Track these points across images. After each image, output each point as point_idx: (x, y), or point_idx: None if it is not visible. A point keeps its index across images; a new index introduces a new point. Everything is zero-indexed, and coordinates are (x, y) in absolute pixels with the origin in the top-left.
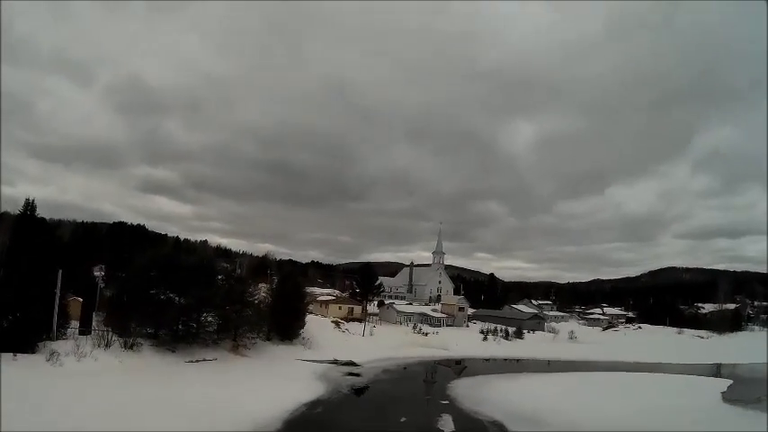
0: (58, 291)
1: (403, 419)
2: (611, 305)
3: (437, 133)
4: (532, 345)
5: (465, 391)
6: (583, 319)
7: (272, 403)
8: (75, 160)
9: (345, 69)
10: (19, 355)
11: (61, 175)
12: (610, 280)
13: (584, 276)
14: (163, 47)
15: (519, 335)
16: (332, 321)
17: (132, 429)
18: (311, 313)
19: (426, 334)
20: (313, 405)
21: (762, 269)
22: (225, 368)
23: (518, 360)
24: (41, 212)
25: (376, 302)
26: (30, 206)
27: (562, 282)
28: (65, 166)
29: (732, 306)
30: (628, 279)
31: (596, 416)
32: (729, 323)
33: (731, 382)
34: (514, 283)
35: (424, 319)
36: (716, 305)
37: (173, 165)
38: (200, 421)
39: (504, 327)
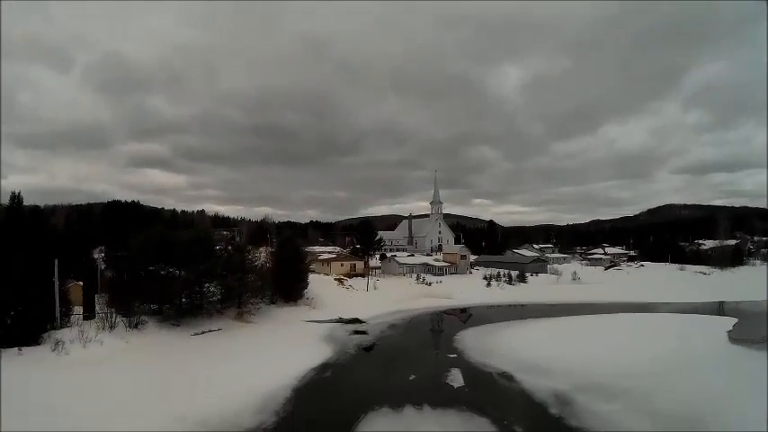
0: (56, 279)
1: (412, 377)
2: (612, 245)
3: (423, 81)
4: (536, 288)
5: (472, 342)
6: (585, 259)
7: (279, 371)
8: (62, 145)
9: (324, 26)
10: (24, 349)
11: (50, 162)
12: (609, 220)
13: (583, 218)
14: (137, 23)
15: (522, 279)
16: (335, 279)
17: (139, 414)
18: (313, 272)
19: (430, 284)
20: (321, 369)
21: (761, 204)
22: (231, 337)
23: (522, 305)
24: (35, 200)
25: (378, 256)
26: (16, 198)
27: (561, 224)
28: (52, 153)
29: (732, 242)
30: (627, 218)
31: (604, 361)
32: (730, 258)
33: (736, 320)
34: (514, 228)
35: (427, 269)
36: (716, 241)
37: (161, 138)
38: (206, 397)
39: (506, 271)
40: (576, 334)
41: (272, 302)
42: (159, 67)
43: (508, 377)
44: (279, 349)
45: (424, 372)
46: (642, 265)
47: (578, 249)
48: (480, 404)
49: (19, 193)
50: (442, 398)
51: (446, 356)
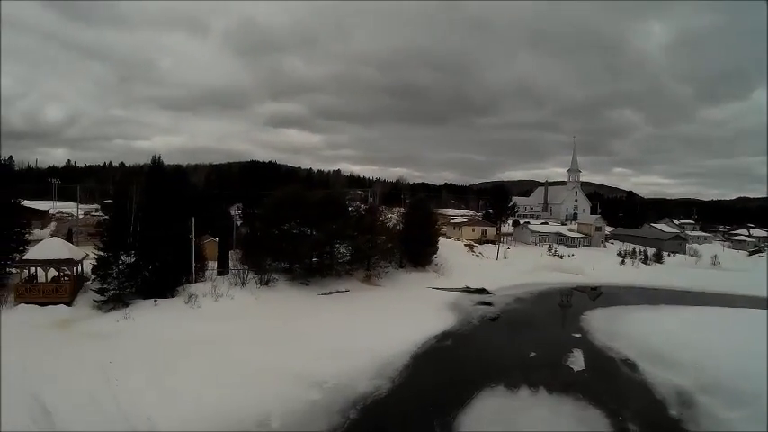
0: (192, 236)
1: (532, 354)
2: (759, 226)
3: (561, 38)
4: (673, 270)
5: (598, 323)
6: (727, 240)
7: (401, 337)
8: (202, 106)
9: None
10: (160, 300)
11: (192, 123)
12: (758, 198)
13: (728, 194)
14: None
15: (658, 258)
16: (465, 245)
17: (259, 369)
18: (444, 235)
19: (561, 256)
20: (442, 337)
21: None
22: (357, 299)
23: (656, 289)
24: (177, 160)
25: (511, 222)
26: (156, 161)
27: (705, 199)
28: (193, 114)
29: None
30: None
31: (736, 361)
32: None
33: None
34: (654, 200)
35: (560, 239)
36: None
37: (298, 98)
38: (327, 358)
39: (642, 248)
40: (709, 327)
41: (401, 266)
42: (294, 30)
43: (631, 365)
44: (402, 314)
45: (546, 350)
46: None
47: (721, 228)
48: (598, 393)
49: (159, 156)
50: (560, 381)
51: (570, 336)
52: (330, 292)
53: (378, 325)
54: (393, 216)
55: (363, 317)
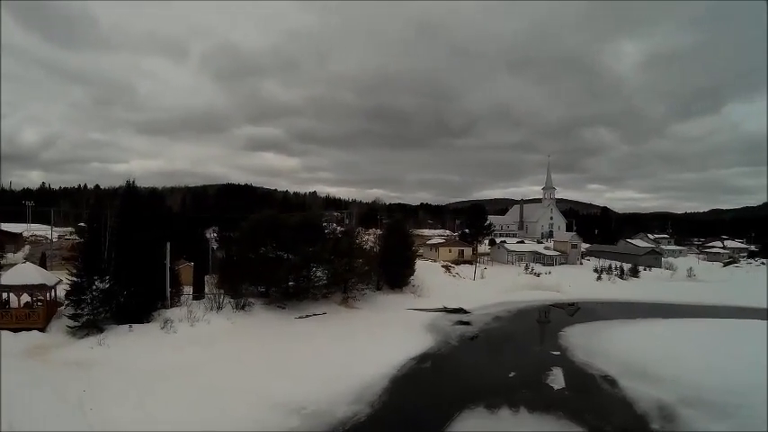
0: (167, 261)
1: (512, 374)
2: (732, 237)
3: (538, 60)
4: (648, 284)
5: (577, 340)
6: (702, 253)
7: (379, 359)
8: (180, 130)
9: (436, 8)
10: (135, 326)
11: (169, 147)
12: (730, 210)
13: (701, 206)
14: (250, 10)
15: (634, 273)
16: (442, 266)
17: (234, 396)
18: (421, 256)
19: (539, 274)
20: (421, 359)
21: None
22: (334, 322)
23: (633, 303)
24: (154, 183)
25: (487, 242)
26: (131, 184)
27: (679, 212)
28: (171, 138)
29: None
30: (749, 208)
31: (716, 372)
32: None
33: None
34: (628, 215)
35: (537, 257)
36: None
37: (275, 121)
38: (304, 383)
39: (618, 264)
40: (687, 339)
41: (378, 288)
42: (273, 53)
43: (611, 381)
44: (381, 337)
45: (525, 369)
46: (764, 263)
47: (695, 241)
48: (579, 410)
49: (133, 180)
50: (541, 400)
51: (549, 353)
52: (307, 316)
53: (356, 348)
54: (370, 237)
55: (341, 340)
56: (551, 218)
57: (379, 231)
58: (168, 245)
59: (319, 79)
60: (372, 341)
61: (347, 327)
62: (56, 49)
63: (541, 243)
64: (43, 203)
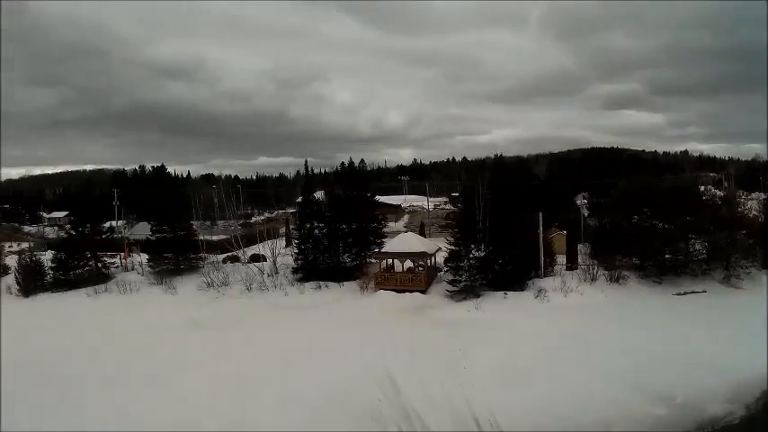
0: (540, 230)
1: None
2: None
3: None
4: None
5: None
6: None
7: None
8: (534, 96)
9: None
10: (509, 293)
11: (526, 113)
12: None
13: None
14: None
15: None
16: None
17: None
18: None
19: None
20: None
21: None
22: (714, 302)
23: None
24: (516, 151)
25: None
26: (498, 156)
27: None
28: (526, 105)
29: None
30: None
31: None
32: None
33: None
34: None
35: None
36: None
37: (629, 76)
38: (674, 367)
39: None
40: None
41: (764, 266)
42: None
43: None
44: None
45: None
46: None
47: None
48: None
49: (500, 153)
50: None
51: None
52: (685, 293)
53: (738, 336)
54: (753, 204)
55: (721, 324)
56: None
57: (762, 196)
58: (540, 214)
59: (667, 22)
60: (757, 328)
61: (727, 308)
62: (399, 38)
63: None
64: (416, 177)
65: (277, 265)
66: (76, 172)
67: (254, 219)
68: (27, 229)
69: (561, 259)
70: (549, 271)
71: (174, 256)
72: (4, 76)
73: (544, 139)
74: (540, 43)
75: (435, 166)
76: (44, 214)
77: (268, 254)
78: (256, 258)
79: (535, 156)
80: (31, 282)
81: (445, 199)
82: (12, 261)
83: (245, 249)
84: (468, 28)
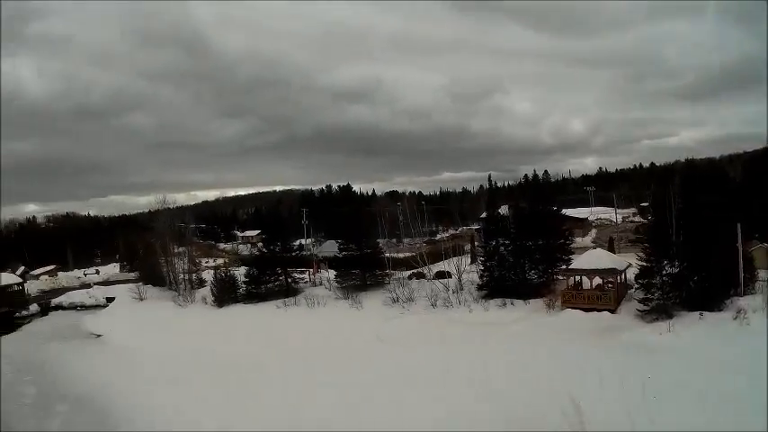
0: (739, 243)
1: None
2: None
3: None
4: None
5: None
6: None
7: None
8: (719, 90)
9: None
10: (705, 314)
11: (713, 110)
12: None
13: None
14: None
15: None
16: None
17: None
18: None
19: None
20: None
21: None
22: None
23: None
24: (708, 153)
25: None
26: (689, 160)
27: None
28: (713, 100)
29: None
30: None
31: None
32: None
33: None
34: None
35: None
36: None
37: None
38: None
39: None
40: None
41: None
42: None
43: None
44: None
45: None
46: None
47: None
48: None
49: (691, 157)
50: None
51: None
52: None
53: None
54: None
55: None
56: None
57: None
58: (738, 225)
59: None
60: None
61: None
62: (571, 41)
63: None
64: (602, 187)
65: (462, 282)
66: (267, 193)
67: (438, 235)
68: (222, 246)
69: (763, 275)
70: (749, 288)
71: (361, 273)
72: (197, 112)
73: (736, 136)
74: (720, 30)
75: (621, 173)
76: (238, 233)
77: (453, 270)
78: (441, 275)
79: (728, 156)
80: (225, 294)
81: (634, 210)
82: (208, 275)
83: (430, 266)
84: (642, 23)
